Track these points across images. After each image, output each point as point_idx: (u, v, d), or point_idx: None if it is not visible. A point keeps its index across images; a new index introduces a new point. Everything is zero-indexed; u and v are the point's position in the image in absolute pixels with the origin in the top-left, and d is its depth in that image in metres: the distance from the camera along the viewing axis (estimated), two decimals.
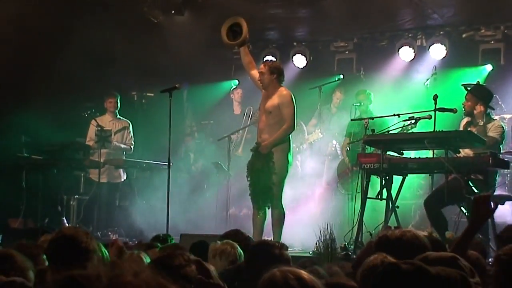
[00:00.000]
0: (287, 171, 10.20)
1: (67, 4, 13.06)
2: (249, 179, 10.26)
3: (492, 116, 9.85)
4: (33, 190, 11.91)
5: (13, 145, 12.22)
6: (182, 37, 13.88)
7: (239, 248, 5.81)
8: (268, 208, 10.19)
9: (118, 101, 13.17)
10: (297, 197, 12.31)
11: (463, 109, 9.79)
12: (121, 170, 13.18)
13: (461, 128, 9.66)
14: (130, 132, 13.30)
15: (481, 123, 9.52)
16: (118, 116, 13.27)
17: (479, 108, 9.55)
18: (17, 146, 12.19)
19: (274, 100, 10.11)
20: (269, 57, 14.73)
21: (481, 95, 9.64)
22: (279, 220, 10.15)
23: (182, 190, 13.50)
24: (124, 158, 13.19)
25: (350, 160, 12.08)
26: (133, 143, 13.30)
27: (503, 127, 9.67)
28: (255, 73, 10.47)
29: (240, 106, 14.84)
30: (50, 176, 12.08)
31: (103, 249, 4.81)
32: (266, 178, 10.02)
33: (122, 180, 13.18)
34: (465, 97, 9.76)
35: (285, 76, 10.46)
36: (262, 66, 10.38)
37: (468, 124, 9.63)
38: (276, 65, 10.53)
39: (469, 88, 9.80)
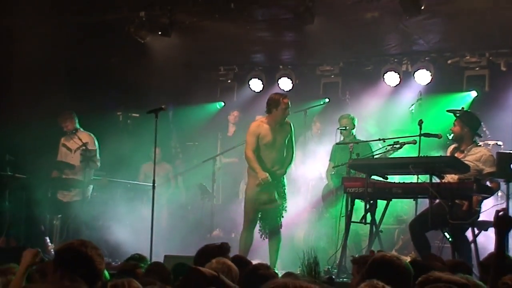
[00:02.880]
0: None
1: (53, 24, 13.07)
2: (260, 208, 10.49)
3: (478, 143, 9.84)
4: (16, 209, 11.85)
5: None
6: (169, 58, 13.90)
7: (235, 268, 5.86)
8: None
9: (75, 119, 12.84)
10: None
11: (451, 134, 9.82)
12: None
13: (448, 154, 9.68)
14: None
15: (465, 148, 9.53)
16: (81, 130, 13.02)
17: (466, 134, 9.55)
18: (1, 165, 12.13)
19: (286, 132, 10.56)
20: (255, 80, 14.81)
21: (468, 121, 9.65)
22: (279, 242, 10.62)
23: (166, 211, 13.52)
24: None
25: (334, 183, 12.08)
26: (98, 158, 12.98)
27: (493, 156, 9.60)
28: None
29: (235, 127, 14.87)
30: (34, 195, 12.00)
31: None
32: (280, 206, 10.50)
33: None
34: (454, 122, 9.79)
35: None
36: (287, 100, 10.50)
37: (455, 149, 9.65)
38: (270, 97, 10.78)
39: (458, 114, 9.83)
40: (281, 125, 10.49)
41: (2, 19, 12.55)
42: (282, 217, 10.54)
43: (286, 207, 10.55)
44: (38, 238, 11.91)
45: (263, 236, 10.53)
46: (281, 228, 10.57)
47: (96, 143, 12.78)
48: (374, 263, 4.88)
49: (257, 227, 10.56)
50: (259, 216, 10.52)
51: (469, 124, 9.58)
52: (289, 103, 10.50)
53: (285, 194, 10.54)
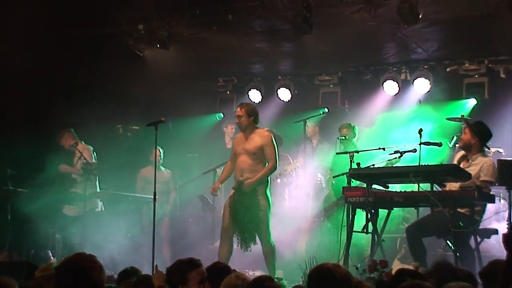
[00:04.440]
0: (271, 207, 10.57)
1: (52, 38, 13.10)
2: (232, 216, 10.51)
3: (486, 155, 9.80)
4: (19, 223, 11.86)
5: None
6: (168, 71, 13.94)
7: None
8: (254, 244, 10.49)
9: (74, 135, 13.07)
10: (282, 231, 12.34)
11: (460, 142, 9.82)
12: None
13: (456, 161, 9.65)
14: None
15: (471, 157, 9.50)
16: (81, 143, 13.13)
17: (475, 144, 9.51)
18: (3, 179, 12.15)
19: (256, 141, 10.51)
20: (254, 91, 14.82)
21: (480, 132, 9.58)
22: (272, 254, 10.52)
23: (168, 223, 13.52)
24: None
25: (335, 193, 12.07)
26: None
27: (494, 165, 9.56)
28: (231, 159, 10.92)
29: (232, 140, 14.89)
30: (36, 209, 12.00)
31: None
32: (253, 215, 10.37)
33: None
34: (464, 130, 9.77)
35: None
36: (239, 109, 10.71)
37: (462, 158, 9.61)
38: (252, 107, 10.88)
39: (469, 123, 9.82)
40: (249, 135, 10.63)
41: None
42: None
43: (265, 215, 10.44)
44: (40, 252, 11.89)
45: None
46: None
47: (93, 154, 12.89)
48: (312, 275, 4.87)
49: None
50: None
51: (480, 134, 9.49)
52: (237, 111, 10.66)
53: (254, 203, 10.44)
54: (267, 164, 10.49)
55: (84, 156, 12.57)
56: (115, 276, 11.14)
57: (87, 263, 4.68)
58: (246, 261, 11.89)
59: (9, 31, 12.59)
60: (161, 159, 13.42)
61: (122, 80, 13.82)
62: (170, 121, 14.32)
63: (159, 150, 12.83)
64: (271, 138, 10.56)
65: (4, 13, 12.34)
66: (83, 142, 13.06)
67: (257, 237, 10.49)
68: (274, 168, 10.57)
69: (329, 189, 12.51)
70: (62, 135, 13.05)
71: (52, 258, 11.76)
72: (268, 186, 10.60)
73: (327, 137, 13.42)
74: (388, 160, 9.77)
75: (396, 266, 11.04)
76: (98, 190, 13.01)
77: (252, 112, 10.64)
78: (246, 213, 10.38)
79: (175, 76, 14.30)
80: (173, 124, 14.94)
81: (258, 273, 11.84)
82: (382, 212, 9.49)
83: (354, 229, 9.41)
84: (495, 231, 9.58)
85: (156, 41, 13.12)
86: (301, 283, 8.99)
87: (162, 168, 13.74)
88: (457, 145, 10.77)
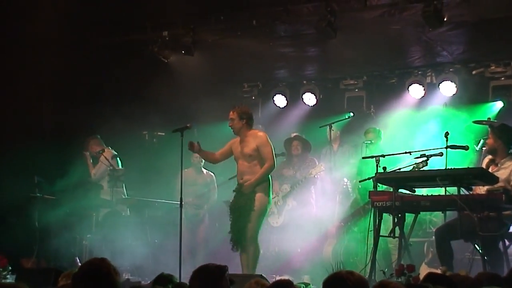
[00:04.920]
0: (266, 210, 10.62)
1: (77, 45, 13.20)
2: (231, 218, 10.56)
3: None
4: (46, 230, 11.91)
5: (26, 185, 12.26)
6: (192, 77, 13.97)
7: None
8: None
9: (101, 141, 13.22)
10: (309, 236, 12.35)
11: (486, 146, 9.77)
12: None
13: (484, 166, 9.58)
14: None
15: (499, 161, 9.44)
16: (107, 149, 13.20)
17: (500, 147, 9.45)
18: (30, 186, 12.22)
19: (251, 144, 10.52)
20: (279, 96, 14.82)
21: (502, 134, 9.53)
22: (254, 256, 10.41)
23: (194, 229, 13.53)
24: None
25: (361, 198, 12.04)
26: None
27: None
28: (221, 152, 11.06)
29: None
30: (62, 215, 12.07)
31: None
32: (245, 215, 10.36)
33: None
34: (488, 135, 9.73)
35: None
36: (231, 112, 10.71)
37: (490, 162, 9.54)
38: (245, 110, 10.82)
39: (491, 127, 9.76)
40: (243, 138, 10.65)
41: (27, 41, 12.68)
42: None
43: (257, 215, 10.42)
44: (68, 258, 11.94)
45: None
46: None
47: (119, 161, 12.95)
48: (325, 283, 4.87)
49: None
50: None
51: (503, 137, 9.44)
52: (230, 115, 10.67)
53: (249, 203, 10.41)
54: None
55: (110, 162, 12.63)
56: (143, 282, 11.21)
57: (103, 266, 4.70)
58: (274, 266, 11.93)
59: (36, 40, 12.71)
60: (202, 160, 13.40)
61: (147, 87, 13.88)
62: (195, 127, 14.35)
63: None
64: (266, 137, 10.56)
65: (31, 22, 12.44)
66: (109, 148, 13.14)
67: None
68: (271, 168, 10.53)
69: (356, 194, 12.48)
70: (88, 141, 13.15)
71: (79, 264, 11.80)
72: (269, 186, 10.54)
73: (352, 141, 13.38)
74: (415, 164, 9.70)
75: (423, 270, 11.00)
76: (125, 196, 13.05)
77: (244, 114, 10.61)
78: (241, 214, 10.40)
79: (200, 82, 14.33)
80: (198, 130, 14.96)
81: (284, 278, 11.84)
82: (409, 216, 9.46)
83: (381, 234, 9.39)
84: None
85: (181, 48, 13.18)
86: None
87: (204, 170, 13.86)
88: (483, 149, 10.70)
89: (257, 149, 10.44)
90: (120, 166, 13.11)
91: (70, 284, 5.77)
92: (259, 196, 10.38)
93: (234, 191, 10.75)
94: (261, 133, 10.72)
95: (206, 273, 5.72)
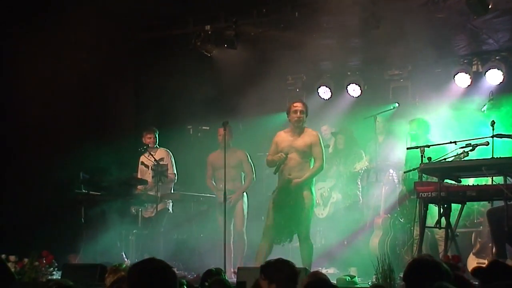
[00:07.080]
0: (313, 206, 10.67)
1: (121, 41, 13.26)
2: (275, 214, 10.47)
3: None
4: (92, 226, 11.99)
5: (72, 182, 12.36)
6: (236, 70, 13.95)
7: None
8: (289, 242, 10.54)
9: (157, 136, 12.96)
10: (355, 226, 12.29)
11: None
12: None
13: None
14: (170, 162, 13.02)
15: None
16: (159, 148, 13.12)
17: None
18: (76, 183, 12.31)
19: (306, 140, 10.52)
20: (323, 88, 14.75)
21: None
22: (310, 252, 10.45)
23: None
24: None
25: (407, 188, 11.93)
26: (174, 173, 13.02)
27: None
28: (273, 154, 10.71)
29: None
30: (108, 211, 12.14)
31: None
32: (296, 214, 10.33)
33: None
34: None
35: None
36: (301, 104, 10.68)
37: None
38: (307, 106, 10.82)
39: None
40: (299, 133, 10.57)
41: (70, 37, 12.78)
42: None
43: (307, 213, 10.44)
44: (114, 254, 12.01)
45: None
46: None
47: (172, 158, 12.89)
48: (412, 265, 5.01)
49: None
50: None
51: None
52: (300, 106, 10.59)
53: (299, 201, 10.40)
54: (313, 163, 10.49)
55: (154, 158, 12.63)
56: (189, 277, 11.26)
57: (158, 265, 4.66)
58: (320, 259, 11.92)
59: (79, 37, 12.81)
60: (231, 137, 12.55)
61: (191, 81, 13.91)
62: (240, 121, 14.35)
63: (224, 128, 11.84)
64: (320, 138, 10.65)
65: (73, 19, 12.52)
66: (160, 147, 13.01)
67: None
68: (321, 168, 10.59)
69: (402, 185, 12.36)
70: (150, 132, 12.85)
71: (126, 260, 11.87)
72: (313, 184, 10.63)
73: (397, 132, 13.24)
74: (457, 154, 9.57)
75: (471, 261, 10.90)
76: (170, 191, 13.05)
77: (307, 110, 10.67)
78: (290, 212, 10.34)
79: (243, 75, 14.30)
80: (243, 123, 14.97)
81: (331, 270, 11.82)
82: (456, 207, 9.34)
83: (427, 225, 9.29)
84: None
85: (224, 41, 13.19)
86: (374, 280, 8.91)
87: (233, 148, 12.75)
88: None
89: (311, 147, 10.46)
90: (174, 166, 12.97)
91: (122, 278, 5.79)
92: (307, 194, 10.39)
93: (278, 187, 10.64)
94: (316, 133, 10.75)
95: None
